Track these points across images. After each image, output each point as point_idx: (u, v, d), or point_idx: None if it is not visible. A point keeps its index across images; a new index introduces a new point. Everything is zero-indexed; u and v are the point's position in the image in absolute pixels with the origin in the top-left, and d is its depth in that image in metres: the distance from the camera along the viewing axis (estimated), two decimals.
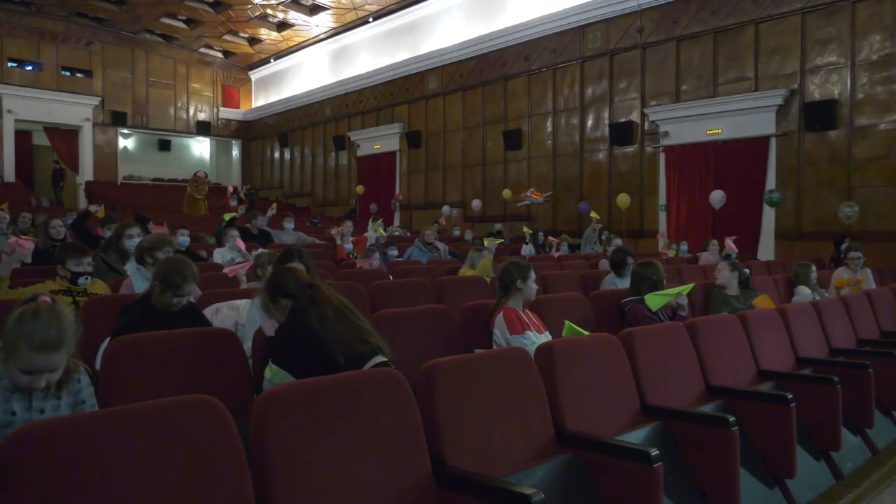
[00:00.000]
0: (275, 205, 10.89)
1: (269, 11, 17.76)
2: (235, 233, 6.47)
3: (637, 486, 2.06)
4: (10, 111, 18.19)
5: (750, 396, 2.96)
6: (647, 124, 11.93)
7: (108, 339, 2.53)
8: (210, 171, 23.13)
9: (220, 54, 22.18)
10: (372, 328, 2.29)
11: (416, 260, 7.78)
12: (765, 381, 3.31)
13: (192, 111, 22.30)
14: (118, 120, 20.44)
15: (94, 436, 1.39)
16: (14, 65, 18.60)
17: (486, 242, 6.08)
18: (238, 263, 4.42)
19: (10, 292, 3.49)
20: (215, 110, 22.90)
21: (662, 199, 11.68)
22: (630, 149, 12.28)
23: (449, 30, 15.59)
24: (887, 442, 3.71)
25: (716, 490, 2.47)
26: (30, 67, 18.82)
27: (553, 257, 8.42)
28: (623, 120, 12.26)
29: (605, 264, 6.64)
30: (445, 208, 14.75)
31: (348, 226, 9.63)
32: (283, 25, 18.99)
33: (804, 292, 5.28)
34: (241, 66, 23.02)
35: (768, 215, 10.37)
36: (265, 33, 19.69)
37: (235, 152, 24.03)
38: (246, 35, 20.15)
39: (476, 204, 14.36)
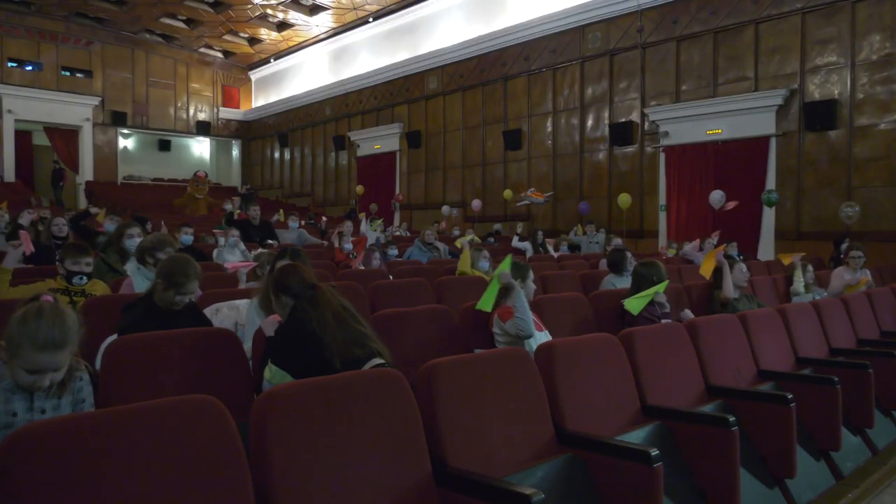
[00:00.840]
0: (281, 210, 10.94)
1: (269, 11, 17.76)
2: (236, 232, 6.48)
3: (637, 486, 2.06)
4: (10, 111, 18.20)
5: (750, 396, 2.96)
6: (647, 124, 11.93)
7: (108, 339, 2.53)
8: (210, 171, 23.14)
9: (220, 54, 22.19)
10: (372, 332, 2.29)
11: (416, 260, 7.78)
12: (765, 381, 3.31)
13: (192, 111, 22.31)
14: (118, 120, 20.44)
15: (94, 436, 1.39)
16: (14, 65, 18.60)
17: (458, 244, 6.10)
18: (242, 263, 4.43)
19: (10, 290, 3.50)
20: (215, 110, 22.90)
21: (662, 199, 11.68)
22: (630, 149, 12.28)
23: (449, 30, 15.59)
24: (887, 442, 3.70)
25: (716, 490, 2.47)
26: (30, 67, 18.83)
27: (553, 257, 8.41)
28: (623, 120, 12.26)
29: (605, 264, 6.64)
30: (445, 208, 14.76)
31: (348, 226, 9.65)
32: (283, 25, 18.99)
33: (797, 290, 5.29)
34: (241, 66, 23.03)
35: (768, 215, 10.37)
36: (265, 33, 19.70)
37: (235, 152, 24.03)
38: (246, 35, 20.15)
39: (476, 204, 14.36)
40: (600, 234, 10.71)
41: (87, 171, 19.76)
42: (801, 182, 10.07)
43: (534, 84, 13.92)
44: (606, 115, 12.60)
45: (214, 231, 7.48)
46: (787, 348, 3.75)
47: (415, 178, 16.82)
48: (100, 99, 19.97)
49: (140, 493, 1.39)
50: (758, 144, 10.45)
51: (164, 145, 22.29)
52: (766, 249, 10.35)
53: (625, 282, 4.96)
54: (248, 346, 2.67)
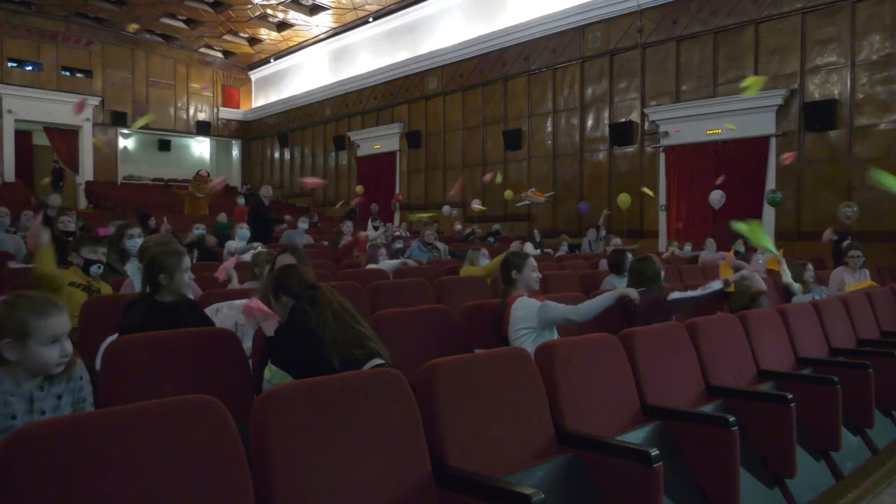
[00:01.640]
0: (288, 216, 10.96)
1: (269, 11, 17.76)
2: (243, 224, 6.63)
3: (637, 486, 2.06)
4: (10, 111, 18.19)
5: (750, 396, 2.96)
6: (647, 124, 11.93)
7: (108, 339, 2.53)
8: (210, 171, 23.10)
9: (220, 54, 22.18)
10: (372, 333, 2.29)
11: (416, 260, 7.77)
12: (765, 381, 3.31)
13: (192, 111, 22.30)
14: (118, 120, 20.44)
15: (93, 436, 1.39)
16: (14, 65, 18.59)
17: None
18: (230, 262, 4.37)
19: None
20: (215, 110, 22.89)
21: (662, 199, 11.68)
22: (630, 149, 12.28)
23: (449, 30, 15.59)
24: (887, 442, 3.70)
25: (716, 490, 2.47)
26: (30, 67, 18.82)
27: (553, 257, 8.42)
28: (623, 120, 12.26)
29: (605, 264, 6.64)
30: (446, 208, 14.75)
31: (348, 226, 9.65)
32: (283, 25, 18.98)
33: (795, 288, 5.30)
34: (241, 66, 23.03)
35: (768, 215, 10.37)
36: (265, 33, 19.69)
37: (235, 152, 24.02)
38: (246, 35, 20.15)
39: (476, 204, 14.35)
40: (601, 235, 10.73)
41: (87, 171, 19.75)
42: (801, 182, 10.08)
43: (534, 84, 13.92)
44: (606, 115, 12.61)
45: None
46: (787, 348, 3.75)
47: (415, 178, 16.82)
48: (100, 99, 19.96)
49: (140, 493, 1.39)
50: (758, 144, 10.45)
51: (164, 145, 22.28)
52: None
53: (625, 282, 4.96)
54: (248, 345, 2.67)
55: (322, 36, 19.31)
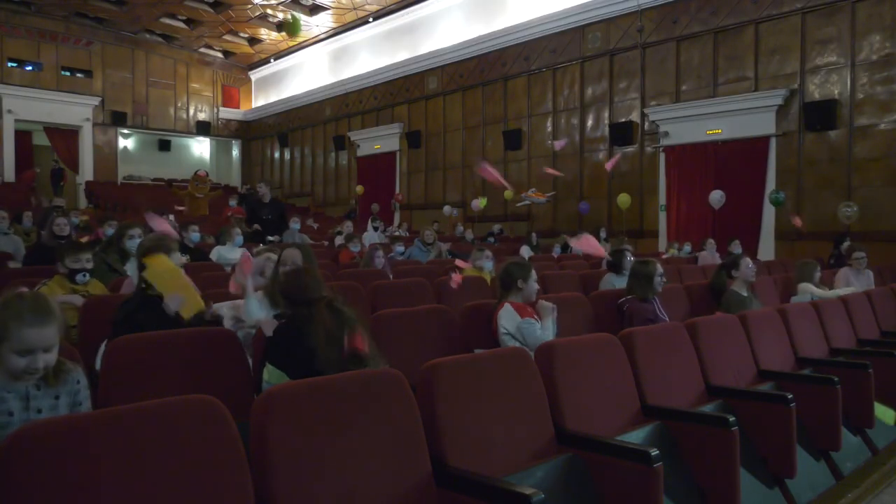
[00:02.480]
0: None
1: (269, 11, 17.76)
2: (238, 230, 6.53)
3: (637, 486, 2.06)
4: (10, 111, 18.19)
5: (750, 396, 2.96)
6: (647, 124, 11.93)
7: (107, 340, 2.53)
8: (210, 171, 23.07)
9: (220, 54, 22.18)
10: (373, 350, 2.18)
11: (416, 260, 7.77)
12: (765, 381, 3.31)
13: (192, 111, 22.30)
14: (118, 120, 20.44)
15: (94, 436, 1.39)
16: (14, 65, 18.60)
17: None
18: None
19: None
20: (215, 110, 22.90)
21: (662, 199, 11.68)
22: (630, 149, 12.28)
23: (449, 30, 15.59)
24: (887, 442, 3.70)
25: (716, 490, 2.47)
26: (30, 67, 18.82)
27: (553, 257, 8.42)
28: (623, 120, 12.26)
29: (605, 264, 6.63)
30: (447, 208, 14.75)
31: (348, 226, 9.63)
32: (283, 25, 18.98)
33: (808, 289, 5.19)
34: (241, 66, 23.02)
35: (768, 215, 10.38)
36: (265, 33, 19.70)
37: (235, 152, 24.02)
38: (246, 35, 20.15)
39: (476, 204, 14.36)
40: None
41: (87, 171, 19.75)
42: (801, 182, 10.08)
43: (534, 84, 13.92)
44: (606, 115, 12.61)
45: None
46: (787, 348, 3.75)
47: (415, 178, 16.83)
48: (100, 99, 19.97)
49: (140, 493, 1.39)
50: (758, 144, 10.45)
51: (164, 145, 22.28)
52: (766, 249, 10.35)
53: (624, 281, 4.96)
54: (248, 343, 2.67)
55: (322, 36, 19.31)
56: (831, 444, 3.16)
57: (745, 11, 10.56)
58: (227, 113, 23.14)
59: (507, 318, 3.23)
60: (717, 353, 3.18)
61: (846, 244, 8.36)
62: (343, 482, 1.70)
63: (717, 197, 10.27)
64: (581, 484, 2.15)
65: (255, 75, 23.18)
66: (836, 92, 9.69)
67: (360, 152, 18.38)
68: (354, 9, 17.24)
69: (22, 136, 19.18)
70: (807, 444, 3.11)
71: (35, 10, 18.37)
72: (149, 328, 2.51)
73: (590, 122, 12.94)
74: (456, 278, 4.02)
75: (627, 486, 2.09)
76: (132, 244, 4.39)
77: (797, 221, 9.15)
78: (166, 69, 21.45)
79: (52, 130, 19.38)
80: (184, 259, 3.82)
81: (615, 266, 5.20)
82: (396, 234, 12.16)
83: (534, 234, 9.91)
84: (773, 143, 10.32)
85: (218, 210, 13.75)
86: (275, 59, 21.65)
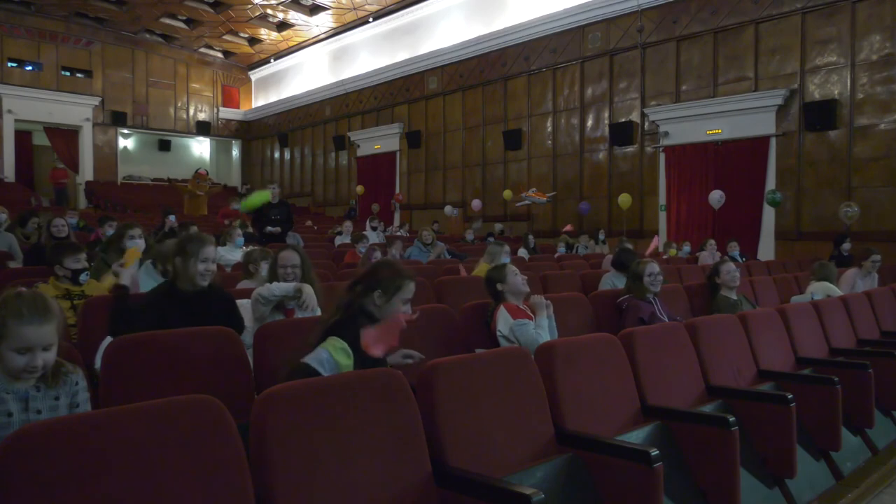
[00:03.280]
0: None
1: (269, 11, 17.77)
2: (239, 231, 6.53)
3: (637, 486, 2.06)
4: (10, 111, 18.20)
5: (750, 396, 2.96)
6: (647, 124, 11.93)
7: (107, 339, 2.53)
8: (210, 171, 23.10)
9: (220, 54, 22.19)
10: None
11: (416, 260, 7.77)
12: (765, 381, 3.30)
13: (192, 111, 22.31)
14: (118, 120, 20.44)
15: (94, 436, 1.39)
16: (14, 65, 18.61)
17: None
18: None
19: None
20: (215, 110, 22.90)
21: (662, 199, 11.68)
22: (630, 149, 12.28)
23: (449, 30, 15.59)
24: (887, 442, 3.70)
25: (716, 490, 2.47)
26: (30, 67, 18.83)
27: (553, 257, 8.42)
28: (623, 120, 12.26)
29: (605, 264, 6.64)
30: (448, 209, 14.75)
31: (347, 226, 9.63)
32: (283, 25, 18.99)
33: (828, 288, 5.13)
34: (241, 66, 23.03)
35: (768, 215, 10.38)
36: (265, 33, 19.70)
37: (235, 152, 24.03)
38: (246, 35, 20.16)
39: (476, 204, 14.36)
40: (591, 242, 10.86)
41: (87, 171, 19.76)
42: (801, 182, 10.08)
43: (534, 84, 13.93)
44: (606, 115, 12.61)
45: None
46: (787, 348, 3.75)
47: (415, 178, 16.83)
48: (100, 99, 19.98)
49: (140, 493, 1.39)
50: (758, 144, 10.45)
51: (164, 145, 22.29)
52: (766, 249, 10.35)
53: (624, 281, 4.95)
54: (248, 341, 2.67)
55: (322, 36, 19.32)
56: (831, 444, 3.16)
57: (745, 11, 10.56)
58: (227, 113, 23.14)
59: (502, 320, 3.22)
60: (717, 353, 3.18)
61: (844, 245, 8.37)
62: (343, 482, 1.70)
63: (716, 197, 10.27)
64: (581, 484, 2.15)
65: (255, 75, 23.18)
66: (836, 92, 9.69)
67: (360, 152, 18.38)
68: (354, 9, 17.25)
69: (22, 136, 19.19)
70: (807, 444, 3.11)
71: (35, 10, 18.37)
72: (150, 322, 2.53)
73: (590, 122, 12.94)
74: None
75: (627, 486, 2.09)
76: (132, 244, 4.39)
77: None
78: (166, 69, 21.46)
79: (52, 130, 19.39)
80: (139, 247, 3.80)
81: (622, 265, 5.17)
82: (398, 234, 12.16)
83: (531, 236, 9.90)
84: (773, 143, 10.33)
85: (218, 210, 13.71)
86: (275, 59, 21.66)
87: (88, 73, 19.85)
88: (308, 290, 2.99)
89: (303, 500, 1.61)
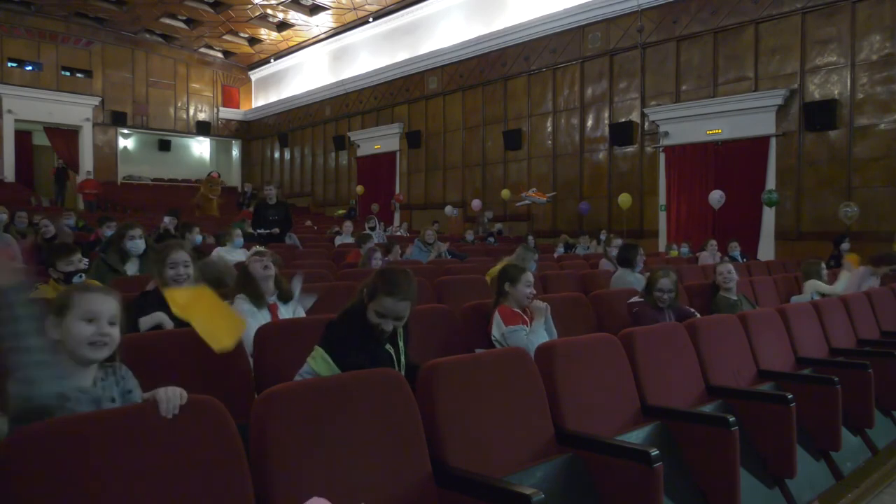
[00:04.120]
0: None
1: (269, 11, 17.77)
2: (238, 231, 6.53)
3: (637, 486, 2.06)
4: (10, 111, 18.20)
5: (750, 396, 2.96)
6: (647, 124, 11.93)
7: None
8: (210, 171, 23.14)
9: (220, 54, 22.19)
10: None
11: (416, 260, 7.77)
12: (765, 381, 3.30)
13: (192, 111, 22.31)
14: (118, 120, 20.44)
15: (94, 436, 1.39)
16: (14, 65, 18.60)
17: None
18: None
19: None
20: (215, 110, 22.90)
21: (662, 199, 11.68)
22: (630, 149, 12.28)
23: (449, 30, 15.59)
24: (887, 442, 3.70)
25: (716, 490, 2.47)
26: (30, 67, 18.83)
27: (553, 257, 8.41)
28: (623, 120, 12.26)
29: (605, 264, 6.63)
30: (448, 209, 14.75)
31: (348, 226, 9.63)
32: (283, 25, 18.99)
33: (817, 286, 5.19)
34: (241, 67, 23.03)
35: (768, 215, 10.38)
36: (265, 33, 19.70)
37: (235, 152, 24.03)
38: (246, 35, 20.16)
39: (476, 204, 14.36)
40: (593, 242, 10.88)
41: (87, 172, 19.74)
42: (801, 182, 10.08)
43: (534, 84, 13.93)
44: (606, 115, 12.61)
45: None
46: (787, 348, 3.75)
47: (415, 178, 16.83)
48: (100, 99, 19.98)
49: (140, 493, 1.39)
50: (758, 144, 10.45)
51: (164, 145, 22.29)
52: (767, 249, 10.35)
53: (638, 278, 4.93)
54: (249, 343, 2.67)
55: (322, 36, 19.32)
56: (831, 444, 3.16)
57: (745, 11, 10.56)
58: (227, 113, 23.14)
59: (495, 325, 3.21)
60: (717, 353, 3.18)
61: (844, 245, 8.37)
62: (343, 482, 1.70)
63: (716, 197, 10.27)
64: (581, 484, 2.15)
65: (255, 75, 23.18)
66: (836, 92, 9.69)
67: (360, 152, 18.38)
68: (354, 9, 17.25)
69: (22, 136, 19.19)
70: (807, 444, 3.11)
71: (35, 10, 18.37)
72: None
73: (590, 122, 12.94)
74: None
75: (627, 486, 2.09)
76: (133, 245, 4.39)
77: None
78: (166, 69, 21.46)
79: (52, 130, 19.38)
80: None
81: (627, 262, 5.15)
82: (398, 233, 12.16)
83: (531, 237, 9.91)
84: (773, 143, 10.33)
85: (228, 212, 14.08)
86: (275, 59, 21.65)
87: (88, 73, 19.85)
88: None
89: (302, 499, 1.61)
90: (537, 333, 3.14)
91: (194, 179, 21.20)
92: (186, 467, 1.47)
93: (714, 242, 8.39)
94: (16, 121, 18.45)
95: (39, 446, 1.32)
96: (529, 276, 3.31)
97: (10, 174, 18.19)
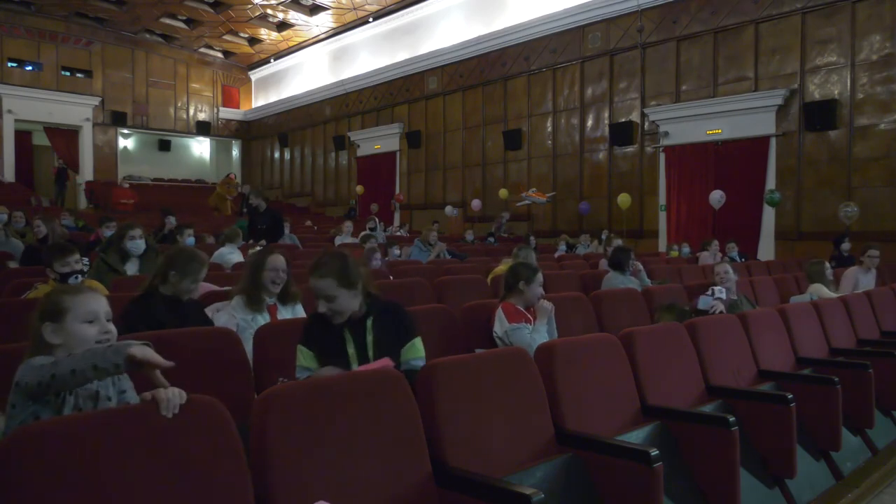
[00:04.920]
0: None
1: (269, 11, 17.77)
2: (240, 231, 6.58)
3: (637, 486, 2.06)
4: (10, 111, 18.20)
5: (750, 396, 2.96)
6: (647, 124, 11.93)
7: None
8: (210, 171, 23.16)
9: (220, 54, 22.19)
10: None
11: (416, 260, 7.77)
12: (765, 381, 3.30)
13: (192, 111, 22.31)
14: (118, 120, 20.44)
15: (93, 436, 1.39)
16: (14, 65, 18.60)
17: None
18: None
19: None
20: (215, 110, 22.90)
21: (662, 200, 11.68)
22: (630, 149, 12.28)
23: (449, 30, 15.59)
24: (887, 442, 3.70)
25: (716, 490, 2.47)
26: (30, 67, 18.82)
27: (553, 257, 8.42)
28: (623, 120, 12.26)
29: (605, 264, 6.63)
30: (449, 209, 14.75)
31: (348, 226, 9.62)
32: (283, 25, 18.99)
33: (821, 291, 5.08)
34: (241, 67, 23.03)
35: (768, 215, 10.38)
36: (265, 33, 19.70)
37: (235, 152, 24.03)
38: (246, 35, 20.16)
39: (476, 204, 14.36)
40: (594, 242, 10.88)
41: (87, 171, 19.76)
42: (801, 182, 10.08)
43: (534, 84, 13.93)
44: (606, 115, 12.61)
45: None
46: (787, 348, 3.75)
47: (415, 178, 16.83)
48: (100, 99, 19.97)
49: (140, 493, 1.39)
50: (758, 144, 10.45)
51: (164, 145, 22.29)
52: (766, 249, 10.35)
53: (629, 281, 4.94)
54: (248, 346, 2.67)
55: (322, 36, 19.32)
56: (831, 444, 3.16)
57: (745, 11, 10.56)
58: (227, 113, 23.14)
59: (498, 322, 3.21)
60: (717, 353, 3.18)
61: (844, 245, 8.37)
62: (343, 483, 1.70)
63: (716, 197, 10.27)
64: (581, 484, 2.15)
65: (255, 75, 23.18)
66: (836, 92, 9.69)
67: (360, 152, 18.38)
68: (354, 9, 17.25)
69: (22, 136, 19.19)
70: (807, 444, 3.11)
71: (35, 10, 18.37)
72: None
73: (590, 122, 12.94)
74: None
75: (627, 486, 2.09)
76: (133, 245, 4.40)
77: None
78: (166, 69, 21.46)
79: (52, 130, 19.38)
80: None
81: (619, 265, 5.15)
82: (398, 233, 12.16)
83: (532, 237, 9.91)
84: (773, 143, 10.33)
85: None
86: (275, 59, 21.66)
87: (88, 73, 19.85)
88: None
89: (302, 500, 1.61)
90: (539, 333, 3.15)
91: (210, 182, 21.52)
92: (186, 467, 1.47)
93: (716, 243, 8.39)
94: (16, 121, 18.44)
95: (39, 446, 1.31)
96: (541, 277, 3.34)
97: (10, 174, 18.18)
